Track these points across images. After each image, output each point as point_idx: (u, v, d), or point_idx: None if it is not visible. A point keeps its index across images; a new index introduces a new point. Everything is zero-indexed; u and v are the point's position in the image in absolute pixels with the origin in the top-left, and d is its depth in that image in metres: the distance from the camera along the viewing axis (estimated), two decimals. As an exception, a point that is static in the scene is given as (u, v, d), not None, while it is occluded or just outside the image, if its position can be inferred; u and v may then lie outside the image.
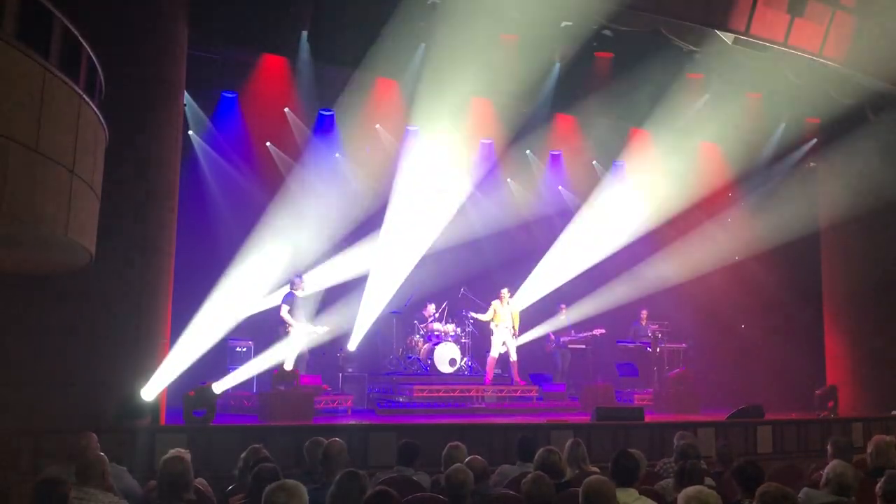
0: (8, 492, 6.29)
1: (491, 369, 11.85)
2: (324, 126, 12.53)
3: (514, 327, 11.93)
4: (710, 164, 14.30)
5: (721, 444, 6.89)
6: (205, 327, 9.28)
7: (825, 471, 4.67)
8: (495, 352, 11.83)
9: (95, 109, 6.30)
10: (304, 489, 3.36)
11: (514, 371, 11.92)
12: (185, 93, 9.21)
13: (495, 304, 11.92)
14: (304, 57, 11.26)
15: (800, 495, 4.36)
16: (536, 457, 5.04)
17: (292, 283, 10.40)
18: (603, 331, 12.89)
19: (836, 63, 11.26)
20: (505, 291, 11.94)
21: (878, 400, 12.04)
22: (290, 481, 3.41)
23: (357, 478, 3.82)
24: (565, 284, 13.48)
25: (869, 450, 5.68)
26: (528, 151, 14.18)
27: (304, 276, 10.59)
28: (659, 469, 5.96)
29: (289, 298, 10.29)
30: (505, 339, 11.84)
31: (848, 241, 13.18)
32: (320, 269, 11.40)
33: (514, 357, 11.92)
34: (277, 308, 10.32)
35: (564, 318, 13.02)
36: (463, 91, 12.21)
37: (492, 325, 11.92)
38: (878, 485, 4.27)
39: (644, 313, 13.36)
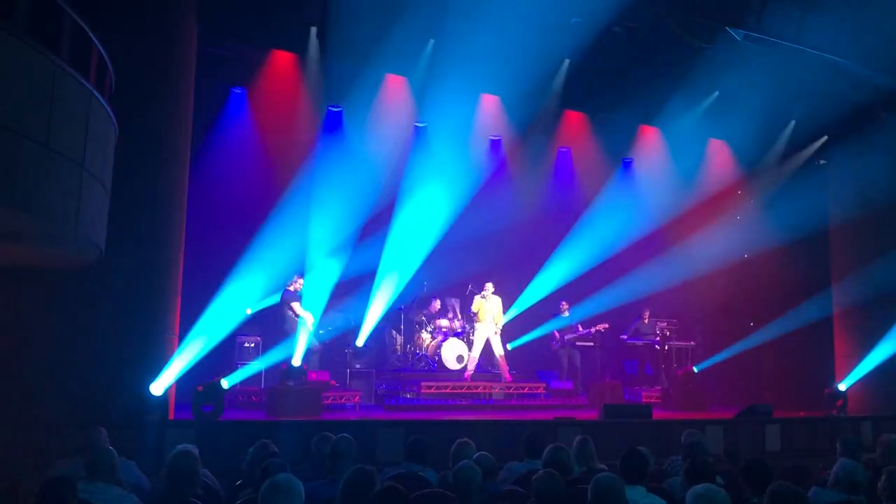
0: (17, 486, 6.33)
1: (472, 366, 11.74)
2: (332, 122, 12.53)
3: (496, 323, 11.81)
4: (719, 162, 14.26)
5: (729, 442, 6.88)
6: (213, 322, 9.31)
7: (834, 469, 4.66)
8: (476, 350, 11.74)
9: (105, 105, 6.33)
10: (298, 484, 3.38)
11: (503, 367, 11.81)
12: (194, 88, 9.21)
13: (478, 299, 11.86)
14: (313, 53, 11.26)
15: (809, 494, 4.34)
16: (544, 454, 5.04)
17: (290, 281, 10.48)
18: (606, 326, 12.82)
19: (847, 60, 11.20)
20: (489, 286, 11.86)
21: (888, 399, 11.99)
22: (283, 476, 3.42)
23: (366, 474, 3.82)
24: (573, 281, 13.43)
25: (878, 449, 5.67)
26: (536, 148, 14.13)
27: (302, 275, 10.65)
28: (667, 467, 5.94)
29: (289, 295, 10.35)
30: (488, 336, 11.75)
31: (858, 239, 13.12)
32: (328, 264, 11.41)
33: (500, 352, 11.80)
34: (284, 305, 10.37)
35: (567, 315, 12.96)
36: (472, 87, 12.22)
37: (475, 322, 11.88)
38: (880, 483, 4.25)
39: (646, 313, 13.29)
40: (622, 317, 13.37)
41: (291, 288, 10.44)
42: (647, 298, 13.39)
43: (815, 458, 7.83)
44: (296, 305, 10.30)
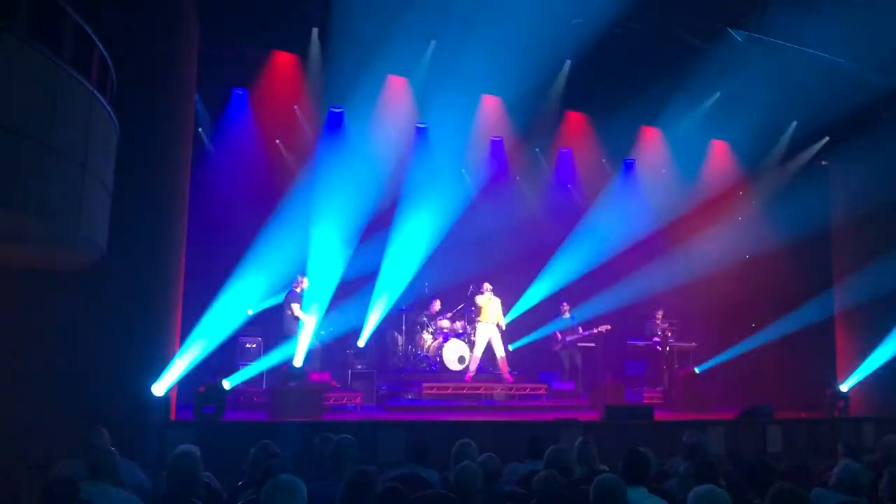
0: (19, 487, 6.34)
1: (473, 367, 11.74)
2: (334, 123, 12.53)
3: (499, 323, 11.82)
4: (720, 163, 14.25)
5: (731, 443, 6.87)
6: (215, 323, 9.32)
7: (835, 470, 4.65)
8: (478, 350, 11.73)
9: (107, 106, 6.33)
10: (300, 484, 3.38)
11: (504, 368, 11.81)
12: (196, 89, 9.22)
13: (480, 299, 11.84)
14: (315, 54, 11.27)
15: (810, 495, 4.34)
16: (546, 455, 5.04)
17: (294, 282, 10.48)
18: (608, 327, 12.80)
19: (848, 61, 11.19)
20: (488, 286, 11.87)
21: (890, 400, 11.97)
22: (285, 476, 3.42)
23: (367, 474, 3.82)
24: (574, 283, 13.42)
25: (880, 450, 5.66)
26: (537, 149, 14.14)
27: (306, 275, 10.66)
28: (668, 467, 5.94)
29: (293, 296, 10.36)
30: (490, 336, 11.74)
31: (859, 240, 13.11)
32: (330, 266, 11.41)
33: (501, 353, 11.80)
34: (287, 306, 10.37)
35: (568, 316, 12.93)
36: (473, 88, 12.22)
37: (477, 323, 11.86)
38: (882, 485, 4.24)
39: (659, 313, 13.26)
40: (623, 318, 13.34)
41: (298, 289, 10.45)
42: (649, 299, 13.36)
43: (817, 459, 7.82)
44: (295, 307, 10.30)
